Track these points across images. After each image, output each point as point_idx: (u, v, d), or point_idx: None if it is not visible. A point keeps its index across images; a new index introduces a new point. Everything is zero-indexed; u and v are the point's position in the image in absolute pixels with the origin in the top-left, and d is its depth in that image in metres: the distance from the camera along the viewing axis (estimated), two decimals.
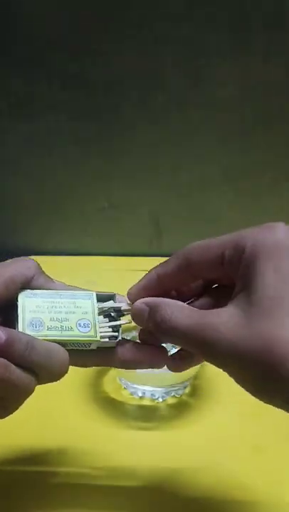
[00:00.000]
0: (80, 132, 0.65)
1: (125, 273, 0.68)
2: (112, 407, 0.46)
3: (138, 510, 0.37)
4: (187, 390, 0.47)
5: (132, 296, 0.31)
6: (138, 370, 0.40)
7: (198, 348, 0.26)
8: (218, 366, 0.26)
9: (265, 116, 0.63)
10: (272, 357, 0.23)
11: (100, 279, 0.59)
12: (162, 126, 0.64)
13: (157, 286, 0.30)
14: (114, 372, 0.48)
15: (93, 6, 0.57)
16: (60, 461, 0.41)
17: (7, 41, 0.59)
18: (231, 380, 0.26)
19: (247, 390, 0.25)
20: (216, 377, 0.28)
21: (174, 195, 0.69)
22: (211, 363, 0.26)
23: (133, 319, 0.30)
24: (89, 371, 0.49)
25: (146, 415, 0.45)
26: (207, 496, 0.37)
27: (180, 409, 0.46)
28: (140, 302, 0.29)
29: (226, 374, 0.26)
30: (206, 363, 0.28)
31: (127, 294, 0.31)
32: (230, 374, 0.25)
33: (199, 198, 0.69)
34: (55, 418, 0.45)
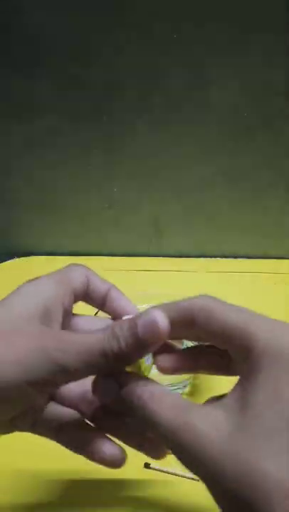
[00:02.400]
0: (80, 132, 0.65)
1: (125, 273, 0.69)
2: None
3: (136, 505, 0.37)
4: (187, 390, 0.47)
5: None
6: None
7: (172, 446, 0.23)
8: (188, 469, 0.23)
9: (265, 116, 0.63)
10: (254, 493, 0.20)
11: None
12: (162, 126, 0.64)
13: None
14: None
15: (93, 6, 0.57)
16: (59, 460, 0.41)
17: (7, 41, 0.59)
18: (231, 379, 0.25)
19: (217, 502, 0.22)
20: (216, 376, 0.28)
21: (174, 195, 0.69)
22: (181, 462, 0.23)
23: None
24: None
25: None
26: (207, 495, 0.37)
27: None
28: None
29: None
30: None
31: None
32: (200, 478, 0.22)
33: (199, 198, 0.69)
34: None
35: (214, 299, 0.26)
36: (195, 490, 0.38)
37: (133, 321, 0.24)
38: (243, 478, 0.20)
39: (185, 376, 0.46)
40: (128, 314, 0.30)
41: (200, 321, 0.25)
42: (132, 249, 0.72)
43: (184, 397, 0.47)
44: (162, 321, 0.24)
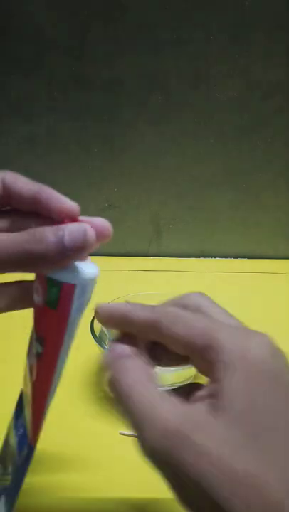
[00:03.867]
0: (80, 132, 0.65)
1: (125, 273, 0.69)
2: (113, 407, 0.46)
3: (137, 503, 0.37)
4: None
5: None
6: None
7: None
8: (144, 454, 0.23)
9: (265, 116, 0.63)
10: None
11: (100, 279, 0.59)
12: (162, 126, 0.64)
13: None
14: None
15: (93, 6, 0.57)
16: (59, 459, 0.41)
17: (7, 41, 0.59)
18: None
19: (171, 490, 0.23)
20: None
21: (174, 195, 0.69)
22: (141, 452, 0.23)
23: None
24: (89, 370, 0.49)
25: None
26: None
27: None
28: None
29: None
30: None
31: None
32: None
33: (199, 198, 0.69)
34: (55, 417, 0.45)
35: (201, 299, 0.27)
36: None
37: (61, 229, 0.24)
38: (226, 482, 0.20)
39: (186, 376, 0.46)
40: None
41: (164, 326, 0.25)
42: (132, 249, 0.72)
43: None
44: (91, 234, 0.25)
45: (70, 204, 0.28)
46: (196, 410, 0.22)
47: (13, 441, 0.32)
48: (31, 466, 0.29)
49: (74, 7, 0.57)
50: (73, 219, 0.27)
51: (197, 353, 0.24)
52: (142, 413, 0.23)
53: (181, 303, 0.27)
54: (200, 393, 0.23)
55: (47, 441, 0.36)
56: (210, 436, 0.21)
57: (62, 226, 0.25)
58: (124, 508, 0.37)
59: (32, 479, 0.40)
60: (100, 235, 0.26)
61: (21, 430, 0.31)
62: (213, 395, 0.22)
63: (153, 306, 0.27)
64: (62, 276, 0.26)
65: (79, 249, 0.24)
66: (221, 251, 0.73)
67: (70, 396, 0.47)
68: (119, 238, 0.72)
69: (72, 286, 0.26)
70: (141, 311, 0.26)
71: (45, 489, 0.39)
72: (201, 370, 0.24)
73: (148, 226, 0.71)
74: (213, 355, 0.23)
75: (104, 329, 0.47)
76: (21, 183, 0.29)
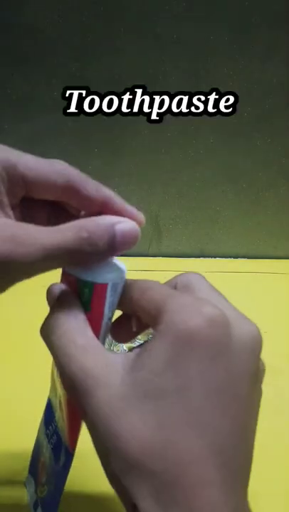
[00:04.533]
0: (80, 132, 0.65)
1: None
2: None
3: None
4: None
5: None
6: None
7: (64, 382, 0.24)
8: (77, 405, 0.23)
9: (265, 116, 0.63)
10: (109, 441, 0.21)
11: None
12: (162, 126, 0.64)
13: None
14: None
15: (93, 5, 0.57)
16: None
17: (7, 41, 0.59)
18: None
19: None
20: None
21: (174, 195, 0.69)
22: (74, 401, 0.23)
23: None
24: None
25: None
26: None
27: None
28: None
29: None
30: None
31: None
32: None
33: (199, 198, 0.69)
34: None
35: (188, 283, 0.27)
36: None
37: (111, 227, 0.25)
38: (103, 438, 0.21)
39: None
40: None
41: (135, 297, 0.26)
42: (132, 250, 0.72)
43: None
44: (137, 233, 0.25)
45: (131, 210, 0.30)
46: (118, 359, 0.23)
47: (47, 450, 0.31)
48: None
49: (74, 7, 0.57)
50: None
51: (151, 321, 0.24)
52: (67, 356, 0.23)
53: (173, 281, 0.28)
54: (135, 351, 0.24)
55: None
56: (110, 391, 0.22)
57: (114, 222, 0.25)
58: None
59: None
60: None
61: (55, 438, 0.30)
62: (139, 352, 0.23)
63: (134, 281, 0.27)
64: (93, 277, 0.25)
65: (126, 248, 0.25)
66: (221, 251, 0.73)
67: None
68: None
69: (105, 286, 0.26)
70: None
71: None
72: None
73: (148, 226, 0.71)
74: (158, 322, 0.23)
75: None
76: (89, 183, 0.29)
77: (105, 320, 0.26)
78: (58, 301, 0.26)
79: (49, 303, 0.27)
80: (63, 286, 0.27)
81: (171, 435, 0.20)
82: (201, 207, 0.70)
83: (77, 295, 0.26)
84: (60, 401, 0.29)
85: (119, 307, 0.27)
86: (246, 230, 0.72)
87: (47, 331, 0.25)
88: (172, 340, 0.22)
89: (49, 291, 0.27)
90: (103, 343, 0.26)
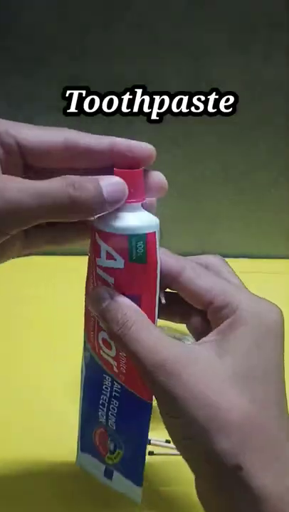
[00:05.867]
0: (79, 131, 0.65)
1: None
2: None
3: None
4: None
5: None
6: None
7: (147, 379, 0.26)
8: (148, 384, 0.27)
9: (265, 116, 0.63)
10: (210, 423, 0.25)
11: None
12: (162, 125, 0.64)
13: None
14: None
15: (93, 5, 0.57)
16: (60, 458, 0.41)
17: (7, 41, 0.59)
18: None
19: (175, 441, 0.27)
20: None
21: (173, 195, 0.69)
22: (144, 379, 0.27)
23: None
24: None
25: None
26: None
27: None
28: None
29: None
30: None
31: None
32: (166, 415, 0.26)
33: (199, 197, 0.69)
34: (55, 416, 0.45)
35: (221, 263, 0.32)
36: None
37: (95, 179, 0.26)
38: (202, 410, 0.24)
39: None
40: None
41: (186, 278, 0.29)
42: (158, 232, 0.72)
43: None
44: (124, 189, 0.27)
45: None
46: (200, 348, 0.27)
47: (106, 417, 0.32)
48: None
49: (74, 7, 0.57)
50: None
51: (213, 309, 0.28)
52: (145, 351, 0.26)
53: (203, 262, 0.31)
54: (205, 339, 0.27)
55: (46, 438, 0.36)
56: (200, 371, 0.25)
57: (99, 178, 0.26)
58: None
59: (31, 477, 0.39)
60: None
61: (118, 398, 0.31)
62: (221, 340, 0.26)
63: (177, 257, 0.30)
64: (141, 228, 0.27)
65: (117, 199, 0.26)
66: (221, 251, 0.73)
67: (69, 395, 0.47)
68: None
69: (154, 234, 0.28)
70: (165, 257, 0.29)
71: (45, 486, 0.39)
72: (212, 322, 0.28)
73: None
74: (229, 312, 0.27)
75: None
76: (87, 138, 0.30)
77: (159, 268, 0.28)
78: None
79: (95, 307, 0.29)
80: (110, 291, 0.28)
81: (262, 408, 0.25)
82: (202, 206, 0.70)
83: (126, 254, 0.27)
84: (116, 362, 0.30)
85: (164, 280, 0.29)
86: (246, 229, 0.72)
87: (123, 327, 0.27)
88: (256, 329, 0.26)
89: (95, 296, 0.28)
90: (158, 291, 0.28)
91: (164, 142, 0.65)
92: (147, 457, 0.32)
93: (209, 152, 0.66)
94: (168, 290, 0.31)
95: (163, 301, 0.30)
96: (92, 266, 0.29)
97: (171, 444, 0.31)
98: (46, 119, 0.64)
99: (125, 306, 0.27)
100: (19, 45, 0.59)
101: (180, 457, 0.27)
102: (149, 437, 0.34)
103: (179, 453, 0.27)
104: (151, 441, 0.42)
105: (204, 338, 0.27)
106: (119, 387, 0.31)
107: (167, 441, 0.42)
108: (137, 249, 0.27)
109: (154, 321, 0.29)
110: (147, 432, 0.30)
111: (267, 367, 0.26)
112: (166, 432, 0.27)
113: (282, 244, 0.73)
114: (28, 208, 0.24)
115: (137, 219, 0.27)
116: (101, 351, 0.30)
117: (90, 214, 0.26)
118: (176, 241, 0.74)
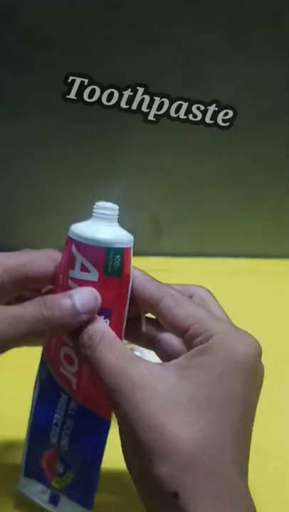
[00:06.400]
0: (77, 132, 0.65)
1: None
2: None
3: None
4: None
5: None
6: None
7: (107, 387, 0.27)
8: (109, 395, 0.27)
9: (264, 115, 0.63)
10: (155, 445, 0.24)
11: None
12: (162, 125, 0.64)
13: None
14: None
15: (93, 5, 0.57)
16: None
17: (5, 40, 0.59)
18: None
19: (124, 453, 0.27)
20: None
21: (173, 195, 0.69)
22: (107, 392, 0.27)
23: None
24: None
25: None
26: None
27: None
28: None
29: None
30: None
31: None
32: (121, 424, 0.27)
33: (199, 197, 0.69)
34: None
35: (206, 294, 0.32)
36: None
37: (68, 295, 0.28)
38: (148, 432, 0.24)
39: None
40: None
41: (165, 305, 0.29)
42: (132, 249, 0.72)
43: None
44: (96, 297, 0.28)
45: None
46: (162, 369, 0.26)
47: (57, 437, 0.31)
48: None
49: (74, 6, 0.57)
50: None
51: (188, 336, 0.28)
52: (107, 372, 0.26)
53: (188, 291, 0.31)
54: (173, 361, 0.27)
55: None
56: (155, 391, 0.25)
57: (71, 292, 0.27)
58: None
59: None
60: None
61: (73, 417, 0.30)
62: (186, 364, 0.26)
63: (158, 284, 0.30)
64: (119, 243, 0.28)
65: (90, 308, 0.28)
66: (221, 251, 0.73)
67: None
68: None
69: (129, 249, 0.29)
70: (146, 284, 0.30)
71: None
72: (187, 350, 0.28)
73: (148, 226, 0.71)
74: (202, 340, 0.27)
75: None
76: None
77: (131, 282, 0.29)
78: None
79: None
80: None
81: (218, 437, 0.25)
82: (201, 207, 0.70)
83: (102, 267, 0.28)
84: (75, 378, 0.30)
85: (143, 306, 0.30)
86: (246, 229, 0.72)
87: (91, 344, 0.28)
88: (224, 359, 0.26)
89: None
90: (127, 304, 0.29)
91: (163, 142, 0.65)
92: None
93: (209, 152, 0.66)
94: (148, 315, 0.31)
95: (144, 329, 0.31)
96: (62, 278, 0.29)
97: None
98: (44, 119, 0.64)
99: (92, 325, 0.28)
100: (13, 43, 0.59)
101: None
102: None
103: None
104: None
105: (173, 361, 0.27)
106: (75, 405, 0.30)
107: None
108: (114, 263, 0.28)
109: (120, 335, 0.29)
110: (103, 451, 0.30)
111: (227, 399, 0.25)
112: None
113: (282, 244, 0.73)
114: (6, 338, 0.26)
115: (115, 233, 0.29)
116: (61, 367, 0.30)
117: (68, 328, 0.28)
118: (176, 241, 0.74)
